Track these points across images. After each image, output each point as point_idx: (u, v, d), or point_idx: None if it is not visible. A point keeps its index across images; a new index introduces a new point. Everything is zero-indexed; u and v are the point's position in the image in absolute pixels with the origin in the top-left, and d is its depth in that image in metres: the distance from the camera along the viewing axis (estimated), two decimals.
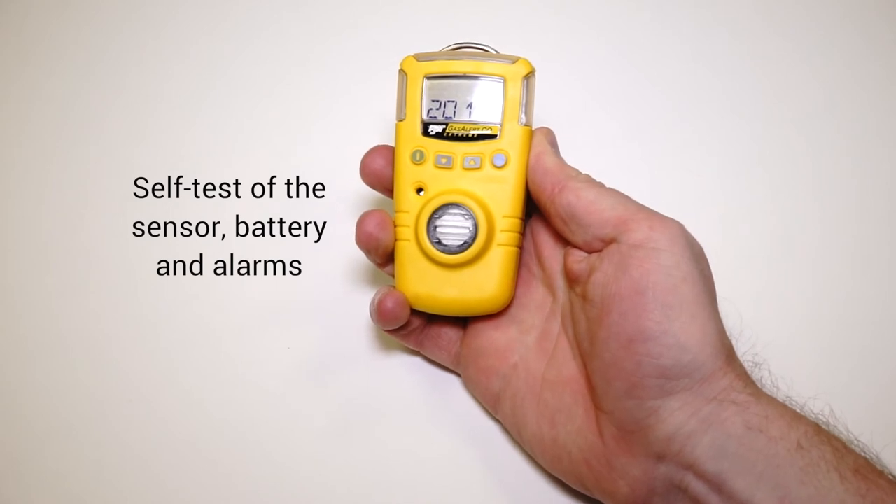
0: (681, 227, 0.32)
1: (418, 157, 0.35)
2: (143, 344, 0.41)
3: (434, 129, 0.35)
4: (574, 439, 0.33)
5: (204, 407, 0.39)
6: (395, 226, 0.35)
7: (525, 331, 0.36)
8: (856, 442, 0.30)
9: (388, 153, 0.36)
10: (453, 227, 0.34)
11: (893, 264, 0.42)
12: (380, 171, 0.36)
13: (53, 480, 0.38)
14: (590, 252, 0.33)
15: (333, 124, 0.46)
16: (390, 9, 0.49)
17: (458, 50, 0.36)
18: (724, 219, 0.43)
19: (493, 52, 0.36)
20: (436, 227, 0.35)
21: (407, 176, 0.35)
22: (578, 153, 0.37)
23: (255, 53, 0.48)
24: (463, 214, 0.34)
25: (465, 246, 0.34)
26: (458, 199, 0.34)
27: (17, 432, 0.39)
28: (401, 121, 0.35)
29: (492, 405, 0.37)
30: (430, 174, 0.35)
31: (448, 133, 0.35)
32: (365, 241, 0.35)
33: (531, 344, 0.36)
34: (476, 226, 0.34)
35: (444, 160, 0.35)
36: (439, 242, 0.35)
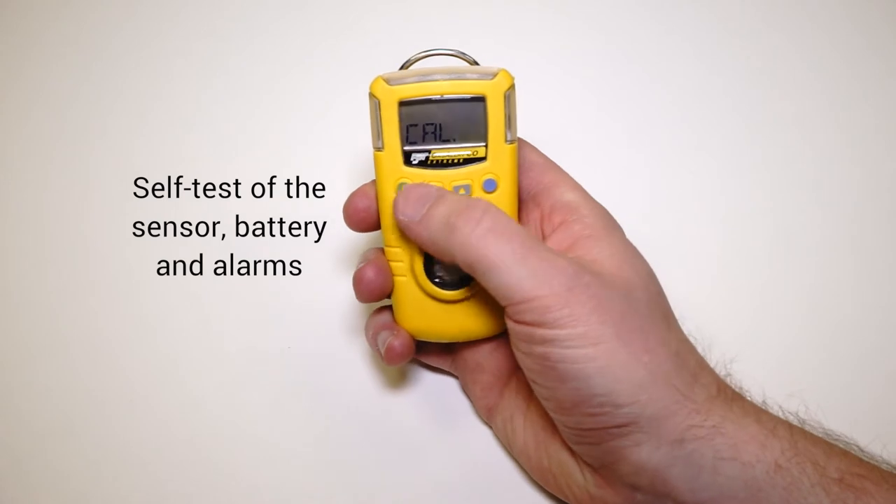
0: (581, 285, 0.28)
1: None
2: (143, 344, 0.41)
3: (416, 157, 0.33)
4: (557, 464, 0.33)
5: (204, 407, 0.39)
6: (387, 260, 0.34)
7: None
8: (837, 438, 0.30)
9: (371, 192, 0.34)
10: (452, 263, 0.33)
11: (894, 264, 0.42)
12: (365, 212, 0.34)
13: (54, 480, 0.38)
14: None
15: (333, 124, 0.46)
16: (390, 8, 0.49)
17: (431, 58, 0.34)
18: (725, 219, 0.43)
19: (467, 62, 0.34)
20: (434, 263, 0.33)
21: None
22: (578, 153, 0.37)
23: (256, 53, 0.48)
24: None
25: (466, 280, 0.33)
26: None
27: (18, 432, 0.39)
28: (378, 150, 0.33)
29: (486, 416, 0.37)
30: None
31: (432, 161, 0.33)
32: (367, 295, 0.34)
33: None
34: None
35: None
36: (439, 280, 0.33)
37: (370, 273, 0.33)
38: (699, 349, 0.31)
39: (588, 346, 0.28)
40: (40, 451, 0.38)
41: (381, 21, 0.49)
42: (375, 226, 0.35)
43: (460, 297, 0.33)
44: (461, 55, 0.34)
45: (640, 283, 0.30)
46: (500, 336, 0.36)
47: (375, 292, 0.34)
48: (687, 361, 0.30)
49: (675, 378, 0.29)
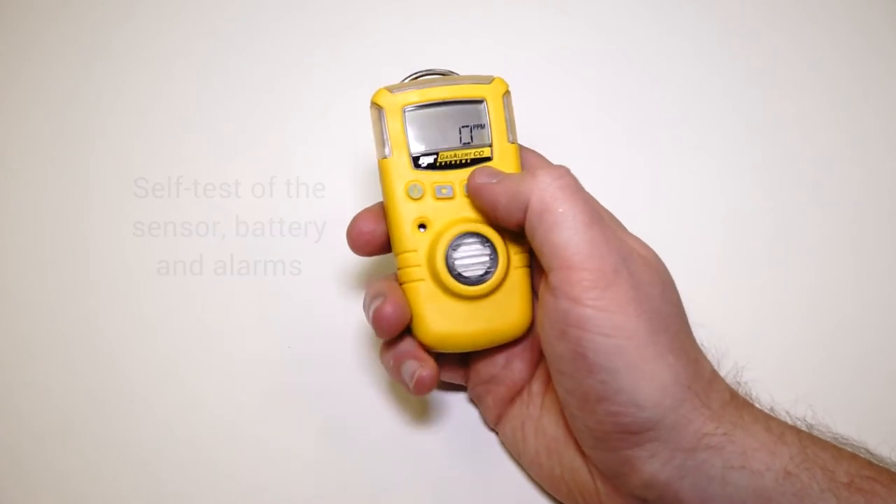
0: (624, 276, 0.29)
1: (416, 193, 0.33)
2: (143, 344, 0.41)
3: (425, 160, 0.33)
4: (569, 473, 0.33)
5: (204, 407, 0.39)
6: (399, 268, 0.34)
7: (534, 356, 0.35)
8: (846, 442, 0.30)
9: (375, 214, 0.34)
10: (473, 258, 0.33)
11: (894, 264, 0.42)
12: (370, 235, 0.34)
13: (54, 480, 0.38)
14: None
15: (333, 124, 0.46)
16: (390, 8, 0.49)
17: (425, 77, 0.35)
18: (725, 219, 0.43)
19: (458, 76, 0.35)
20: (454, 260, 0.33)
21: (406, 214, 0.33)
22: (578, 153, 0.37)
23: (256, 53, 0.48)
24: (480, 242, 0.33)
25: (489, 274, 0.33)
26: (474, 228, 0.33)
27: (18, 432, 0.39)
28: (385, 158, 0.33)
29: (493, 423, 0.37)
30: (431, 208, 0.33)
31: (441, 163, 0.33)
32: (389, 332, 0.33)
33: (539, 368, 0.35)
34: (496, 252, 0.33)
35: (444, 191, 0.33)
36: (461, 276, 0.33)
37: (389, 308, 0.32)
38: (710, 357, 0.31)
39: (622, 338, 0.28)
40: (40, 451, 0.38)
41: (381, 21, 0.49)
42: (380, 249, 0.35)
43: (482, 292, 0.33)
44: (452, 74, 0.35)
45: (669, 283, 0.31)
46: (513, 347, 0.35)
47: (396, 327, 0.33)
48: (704, 367, 0.30)
49: (694, 383, 0.29)
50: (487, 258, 0.33)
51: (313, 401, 0.39)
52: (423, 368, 0.33)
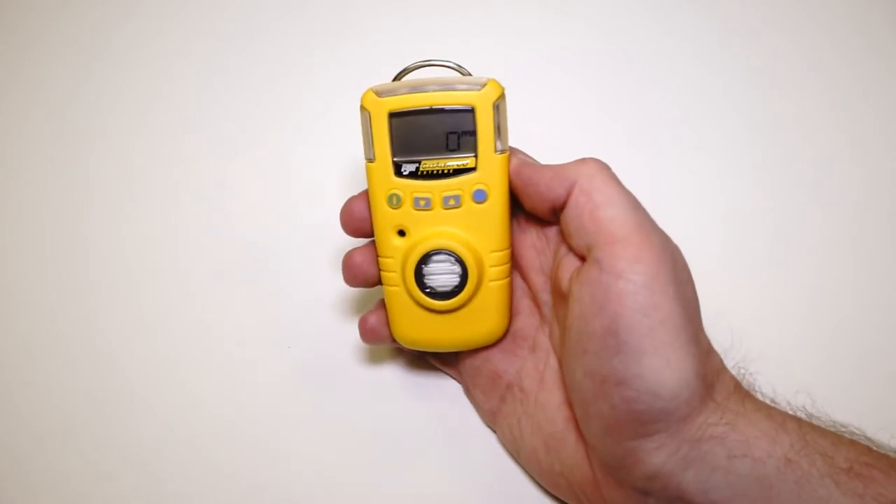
0: (668, 254, 0.30)
1: (395, 202, 0.33)
2: (143, 344, 0.41)
3: (407, 168, 0.33)
4: (569, 468, 0.33)
5: (204, 407, 0.39)
6: (380, 270, 0.35)
7: (518, 350, 0.36)
8: (844, 429, 0.30)
9: (366, 199, 0.35)
10: (442, 274, 0.33)
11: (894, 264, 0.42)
12: (361, 223, 0.35)
13: (54, 480, 0.38)
14: (578, 256, 0.32)
15: (333, 124, 0.46)
16: (390, 8, 0.49)
17: (422, 69, 0.34)
18: (725, 219, 0.43)
19: (459, 73, 0.34)
20: (424, 274, 0.33)
21: (386, 221, 0.34)
22: (578, 153, 0.37)
23: (256, 53, 0.48)
24: (450, 259, 0.33)
25: (457, 291, 0.34)
26: (443, 245, 0.33)
27: (18, 432, 0.39)
28: (370, 161, 0.33)
29: (489, 420, 0.37)
30: (409, 217, 0.33)
31: (422, 172, 0.33)
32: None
33: (524, 363, 0.35)
34: (465, 269, 0.33)
35: (422, 202, 0.33)
36: (430, 290, 0.34)
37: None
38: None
39: (657, 320, 0.28)
40: (40, 451, 0.38)
41: (381, 21, 0.49)
42: (370, 234, 0.35)
43: (450, 307, 0.34)
44: (457, 67, 0.34)
45: (691, 274, 0.31)
46: (497, 342, 0.36)
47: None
48: (715, 360, 0.30)
49: (709, 375, 0.29)
50: (457, 275, 0.33)
51: (313, 401, 0.39)
52: (371, 314, 0.36)
